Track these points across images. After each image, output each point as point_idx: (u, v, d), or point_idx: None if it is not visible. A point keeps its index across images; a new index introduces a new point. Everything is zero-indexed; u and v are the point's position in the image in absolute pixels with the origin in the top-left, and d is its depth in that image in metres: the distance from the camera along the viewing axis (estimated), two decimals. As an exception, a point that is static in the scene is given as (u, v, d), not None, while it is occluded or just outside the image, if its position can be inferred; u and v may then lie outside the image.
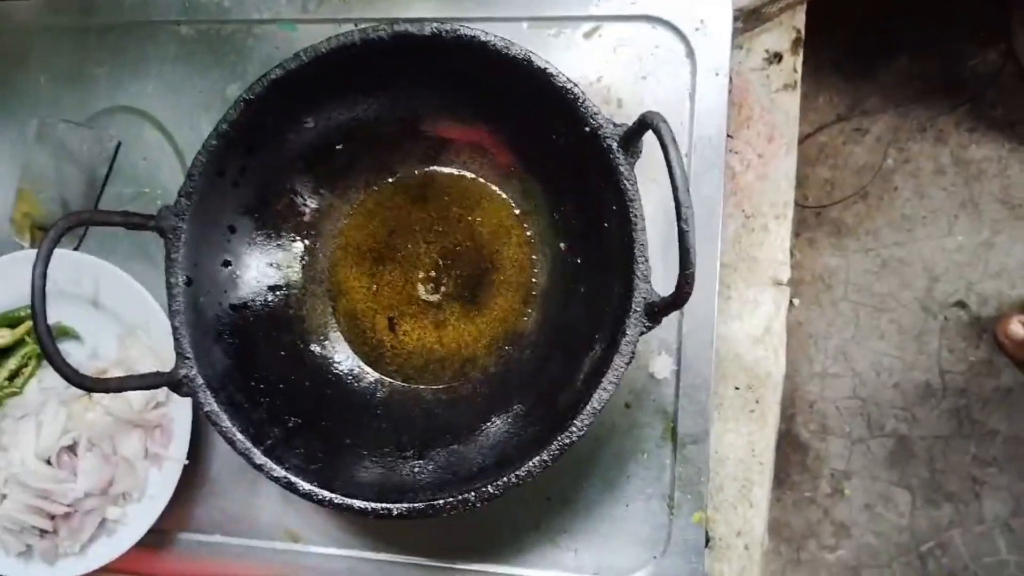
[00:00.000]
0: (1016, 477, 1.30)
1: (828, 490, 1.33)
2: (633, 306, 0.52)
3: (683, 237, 0.45)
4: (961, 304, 1.32)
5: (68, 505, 0.67)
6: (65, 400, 0.69)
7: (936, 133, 1.32)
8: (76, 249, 0.73)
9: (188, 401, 0.67)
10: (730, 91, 0.68)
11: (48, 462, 0.68)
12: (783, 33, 0.73)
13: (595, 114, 0.53)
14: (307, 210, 0.66)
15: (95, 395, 0.68)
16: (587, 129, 0.54)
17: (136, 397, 0.68)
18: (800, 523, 1.32)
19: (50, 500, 0.67)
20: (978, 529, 1.31)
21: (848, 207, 1.33)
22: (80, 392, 0.68)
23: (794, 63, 0.73)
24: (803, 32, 0.73)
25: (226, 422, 0.56)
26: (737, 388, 0.71)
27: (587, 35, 0.69)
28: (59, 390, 0.69)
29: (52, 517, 0.67)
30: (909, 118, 1.32)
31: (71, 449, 0.68)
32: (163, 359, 0.68)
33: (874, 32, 1.32)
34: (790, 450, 1.32)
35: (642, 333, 0.52)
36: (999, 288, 1.32)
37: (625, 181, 0.53)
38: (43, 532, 0.68)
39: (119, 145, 0.74)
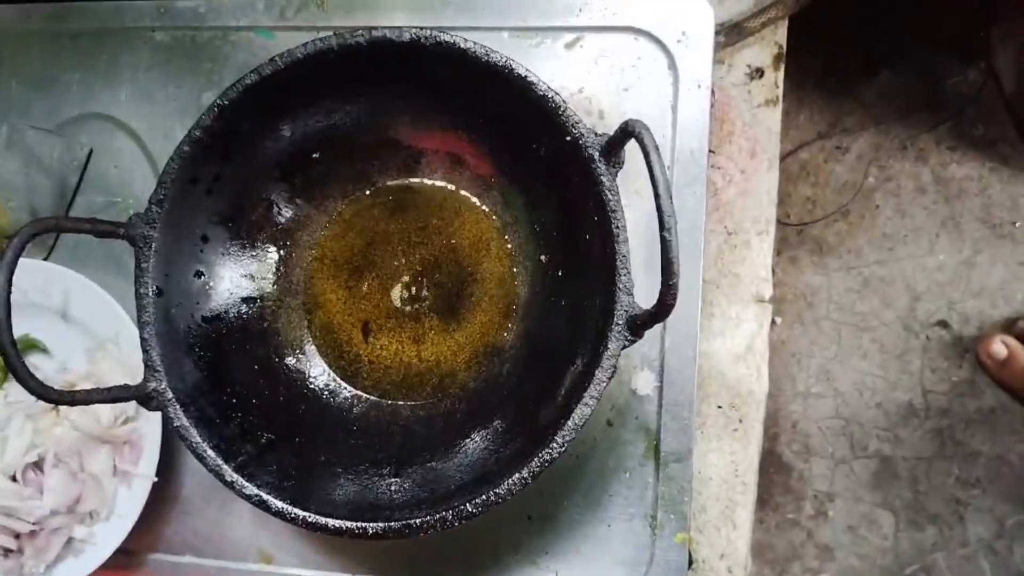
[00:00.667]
0: (999, 499, 1.30)
1: (811, 512, 1.32)
2: (615, 319, 0.51)
3: (666, 247, 0.44)
4: (943, 323, 1.32)
5: (33, 523, 0.65)
6: (32, 415, 0.67)
7: (917, 152, 1.32)
8: (46, 259, 0.71)
9: (158, 416, 0.65)
10: (712, 104, 0.68)
11: (13, 479, 0.65)
12: (765, 48, 0.73)
13: (576, 123, 0.52)
14: (283, 220, 0.64)
15: (62, 410, 0.66)
16: (568, 139, 0.53)
17: (104, 412, 0.66)
18: (783, 545, 1.31)
19: (15, 518, 0.64)
20: (962, 552, 1.30)
21: (830, 225, 1.33)
22: (47, 406, 0.66)
23: (776, 78, 0.73)
24: (785, 48, 0.73)
25: (196, 437, 0.54)
26: (720, 407, 0.70)
27: (568, 46, 0.68)
28: (26, 404, 0.67)
29: (17, 536, 0.65)
30: (890, 136, 1.32)
31: (37, 465, 0.66)
32: (134, 373, 0.65)
33: (855, 50, 1.32)
34: (773, 471, 1.31)
35: (624, 347, 0.51)
36: (980, 307, 1.32)
37: (607, 192, 0.52)
38: (7, 551, 0.65)
39: (91, 153, 0.72)
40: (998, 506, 1.30)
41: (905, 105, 1.33)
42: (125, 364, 0.67)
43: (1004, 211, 1.32)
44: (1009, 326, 1.32)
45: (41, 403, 0.66)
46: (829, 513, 1.32)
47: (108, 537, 0.66)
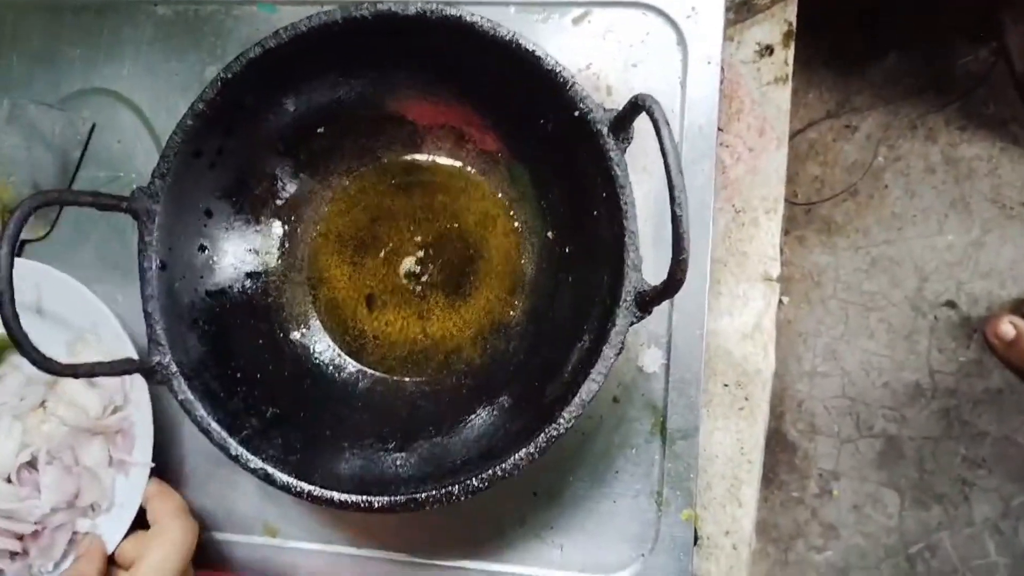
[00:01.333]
0: (1005, 479, 1.30)
1: (816, 490, 1.32)
2: (623, 295, 0.50)
3: (676, 221, 0.43)
4: (951, 304, 1.32)
5: (35, 523, 0.64)
6: (19, 414, 0.65)
7: (927, 131, 1.31)
8: (48, 234, 0.71)
9: (148, 403, 0.64)
10: (722, 81, 0.67)
11: (8, 480, 0.64)
12: (774, 25, 0.72)
13: (584, 98, 0.52)
14: (287, 195, 0.64)
15: (49, 406, 0.65)
16: (576, 114, 0.52)
17: (93, 403, 0.65)
18: (788, 524, 1.31)
19: (16, 520, 0.63)
20: (967, 531, 1.30)
21: (838, 205, 1.32)
22: (34, 403, 0.65)
23: (785, 56, 0.72)
24: (795, 25, 0.72)
25: (201, 411, 0.54)
26: (726, 385, 0.70)
27: (576, 21, 0.67)
28: (12, 404, 0.65)
29: (20, 537, 0.64)
30: (899, 115, 1.31)
31: (31, 464, 0.65)
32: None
33: (865, 27, 1.31)
34: (778, 449, 1.31)
35: (632, 323, 0.51)
36: (989, 288, 1.31)
37: (615, 167, 0.51)
38: (13, 554, 0.64)
39: (93, 128, 0.71)
40: (1004, 486, 1.30)
41: (915, 84, 1.32)
42: (107, 352, 0.65)
43: (1014, 191, 1.31)
44: (1017, 307, 1.31)
45: (27, 401, 0.65)
46: (834, 492, 1.32)
47: (112, 527, 0.65)
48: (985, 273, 1.31)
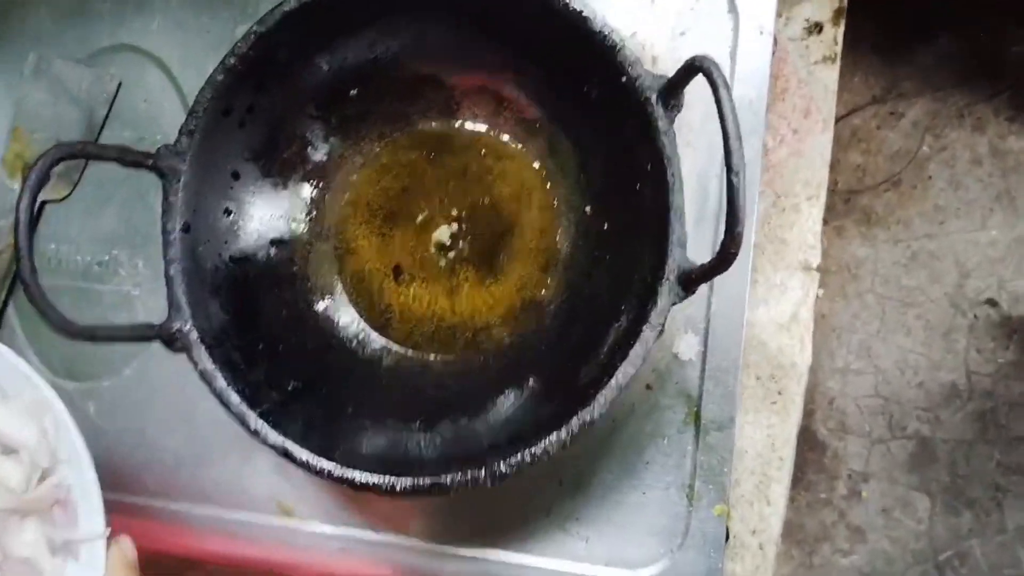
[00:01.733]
0: (1041, 486, 1.27)
1: (844, 492, 1.29)
2: (666, 273, 0.48)
3: (733, 192, 0.41)
4: (992, 302, 1.28)
5: None
6: None
7: (974, 121, 1.27)
8: (70, 195, 0.69)
9: (85, 458, 0.52)
10: (773, 52, 0.64)
11: None
12: (825, 2, 0.69)
13: (633, 63, 0.49)
14: (316, 160, 0.62)
15: None
16: (623, 80, 0.49)
17: (14, 475, 0.50)
18: (814, 525, 1.29)
19: None
20: (999, 539, 1.27)
21: (879, 195, 1.29)
22: None
23: (835, 34, 0.69)
24: (846, 2, 0.69)
25: (221, 382, 0.52)
26: (759, 378, 0.67)
27: (623, -14, 0.64)
28: None
29: None
30: (947, 104, 1.27)
31: None
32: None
33: (914, 10, 1.27)
34: (807, 448, 1.29)
35: (674, 303, 0.48)
36: (1032, 287, 1.28)
37: (663, 137, 0.48)
38: None
39: (120, 85, 0.70)
40: (1038, 494, 1.27)
41: (964, 71, 1.28)
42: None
43: (1062, 187, 1.27)
44: (1061, 308, 1.28)
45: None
46: (863, 494, 1.30)
47: None
48: (1028, 271, 1.28)
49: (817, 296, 0.68)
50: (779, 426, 0.67)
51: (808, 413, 1.26)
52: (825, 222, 0.68)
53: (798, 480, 1.30)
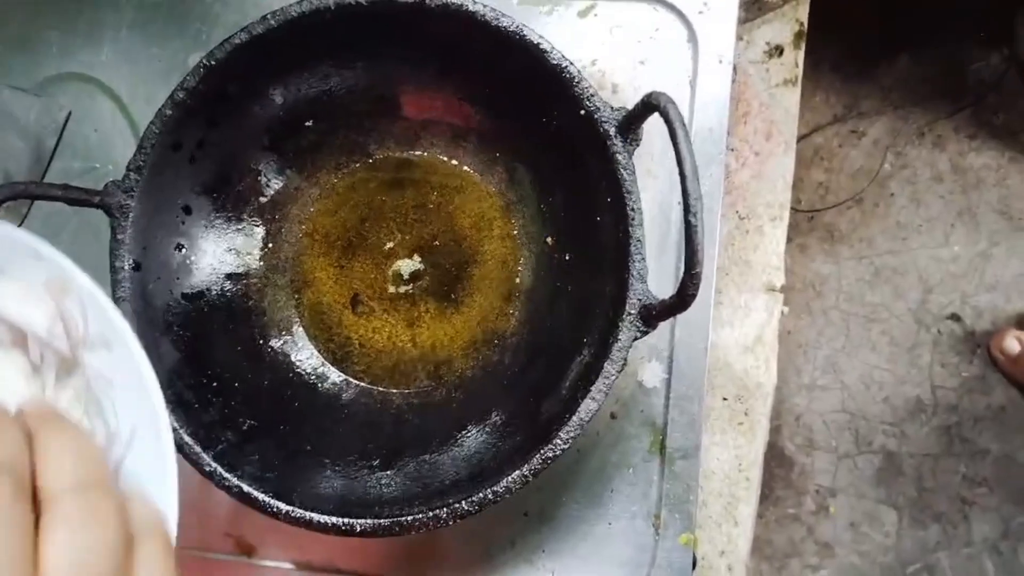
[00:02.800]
0: (1006, 498, 1.28)
1: (813, 507, 1.29)
2: (627, 308, 0.47)
3: (691, 232, 0.40)
4: (955, 317, 1.29)
5: None
6: None
7: (935, 138, 1.28)
8: (19, 227, 0.67)
9: (131, 339, 0.48)
10: (733, 81, 0.64)
11: None
12: (785, 25, 0.69)
13: (592, 95, 0.49)
14: (271, 192, 0.60)
15: None
16: (582, 112, 0.49)
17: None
18: (783, 541, 1.29)
19: None
20: (966, 551, 1.28)
21: (842, 212, 1.29)
22: None
23: (796, 57, 0.69)
24: (806, 26, 0.69)
25: (173, 423, 0.50)
26: (725, 399, 0.67)
27: (582, 14, 0.64)
28: None
29: None
30: (908, 122, 1.28)
31: None
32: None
33: (875, 31, 1.29)
34: (774, 464, 1.29)
35: (636, 338, 0.48)
36: (994, 302, 1.29)
37: (622, 171, 0.48)
38: None
39: (69, 115, 0.68)
40: (1004, 506, 1.28)
41: (924, 90, 1.29)
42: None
43: (1022, 203, 1.29)
44: (1023, 321, 1.29)
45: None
46: (831, 509, 1.30)
47: None
48: (991, 286, 1.29)
49: (782, 313, 0.68)
50: (746, 447, 0.67)
51: (775, 429, 1.26)
52: (789, 240, 0.68)
53: (766, 496, 1.30)
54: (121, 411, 0.36)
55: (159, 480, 0.34)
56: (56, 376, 0.37)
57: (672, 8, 0.63)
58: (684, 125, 0.40)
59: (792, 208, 1.22)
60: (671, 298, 0.44)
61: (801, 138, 1.30)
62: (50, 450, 0.27)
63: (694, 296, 0.42)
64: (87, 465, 0.27)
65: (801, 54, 0.69)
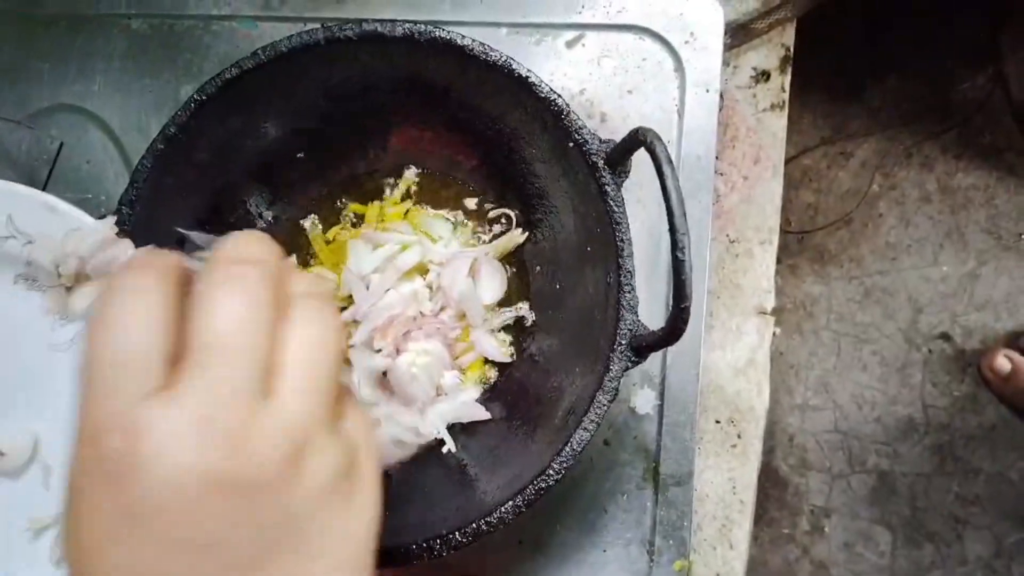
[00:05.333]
0: (999, 517, 1.28)
1: (807, 527, 1.29)
2: (618, 339, 0.47)
3: (679, 267, 0.40)
4: (945, 336, 1.30)
5: None
6: None
7: (922, 159, 1.29)
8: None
9: None
10: (720, 109, 0.64)
11: None
12: (771, 50, 0.70)
13: (580, 128, 0.49)
14: (263, 224, 0.61)
15: None
16: (571, 145, 0.49)
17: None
18: (778, 562, 1.29)
19: None
20: (960, 570, 1.28)
21: (832, 233, 1.30)
22: None
23: (782, 82, 0.70)
24: (792, 50, 0.70)
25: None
26: (718, 422, 0.67)
27: (570, 44, 0.65)
28: None
29: None
30: (896, 143, 1.29)
31: None
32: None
33: (862, 53, 1.30)
34: (768, 485, 1.29)
35: (627, 369, 0.48)
36: (984, 321, 1.30)
37: (611, 202, 0.48)
38: None
39: (61, 146, 0.68)
40: (997, 524, 1.28)
41: (911, 111, 1.31)
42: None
43: (1010, 222, 1.30)
44: (1013, 340, 1.30)
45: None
46: (825, 529, 1.30)
47: None
48: (980, 305, 1.30)
49: (774, 334, 0.69)
50: (739, 469, 0.67)
51: (768, 450, 1.27)
52: (779, 261, 0.69)
53: (760, 517, 1.30)
54: None
55: None
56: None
57: (658, 38, 0.63)
58: (671, 161, 0.40)
59: (782, 229, 1.23)
60: (662, 330, 0.44)
61: (790, 160, 1.31)
62: (294, 272, 0.32)
63: (683, 329, 0.42)
64: (319, 283, 0.33)
65: (787, 79, 0.70)
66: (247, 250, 0.31)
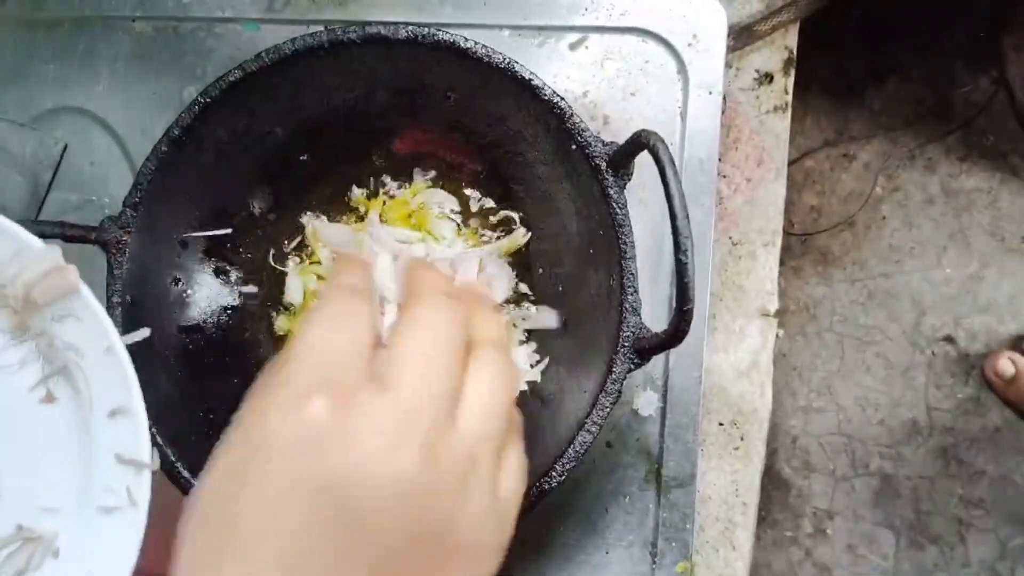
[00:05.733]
0: (1003, 519, 1.28)
1: (810, 529, 1.29)
2: (621, 341, 0.47)
3: (681, 270, 0.40)
4: (949, 339, 1.30)
5: None
6: None
7: (926, 161, 1.29)
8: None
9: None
10: (723, 112, 0.65)
11: None
12: (774, 53, 0.70)
13: (583, 131, 0.49)
14: (266, 225, 0.61)
15: None
16: (573, 147, 0.49)
17: None
18: (780, 564, 1.29)
19: None
20: (964, 573, 1.28)
21: (835, 235, 1.30)
22: None
23: (785, 84, 0.70)
24: (795, 52, 0.70)
25: (170, 457, 0.50)
26: (721, 424, 0.67)
27: (573, 46, 0.65)
28: None
29: None
30: (898, 145, 1.29)
31: None
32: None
33: (864, 55, 1.30)
34: (771, 487, 1.29)
35: (630, 371, 0.48)
36: (988, 323, 1.30)
37: (614, 205, 0.48)
38: None
39: (65, 148, 0.68)
40: (1001, 527, 1.28)
41: (914, 113, 1.31)
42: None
43: (1013, 224, 1.30)
44: (1017, 343, 1.30)
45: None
46: (828, 531, 1.30)
47: None
48: (984, 308, 1.30)
49: (777, 336, 0.69)
50: (742, 472, 0.67)
51: (771, 452, 1.27)
52: (782, 263, 0.69)
53: (763, 519, 1.30)
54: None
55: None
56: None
57: (661, 40, 0.63)
58: (673, 164, 0.40)
59: (785, 231, 1.23)
60: (664, 332, 0.44)
61: (793, 162, 1.31)
62: (483, 313, 0.37)
63: (686, 332, 0.42)
64: (502, 331, 0.37)
65: (791, 81, 0.70)
66: (442, 285, 0.36)
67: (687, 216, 0.40)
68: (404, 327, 0.32)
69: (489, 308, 0.39)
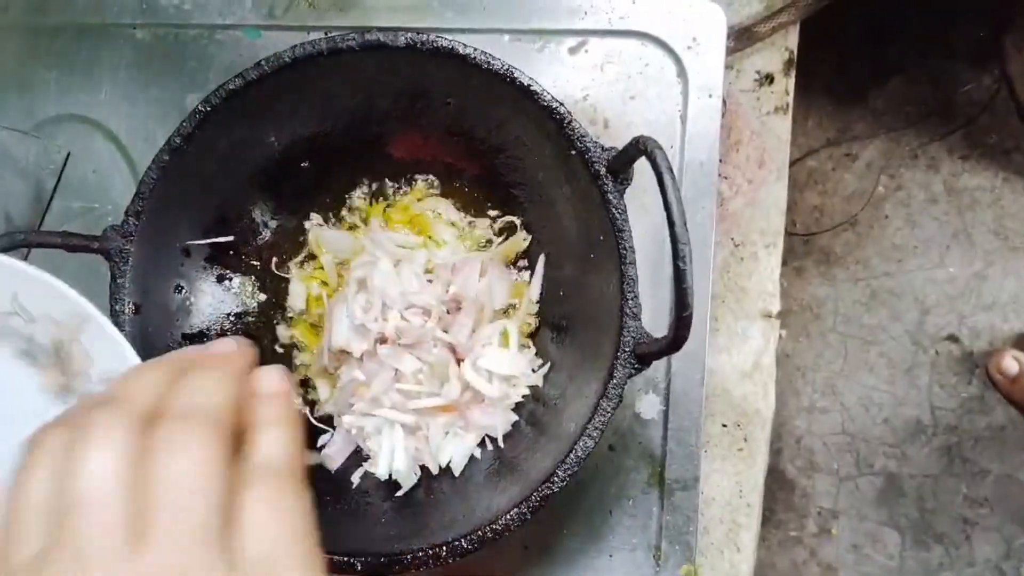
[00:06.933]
0: (1008, 518, 1.28)
1: (815, 529, 1.29)
2: (622, 346, 0.47)
3: (680, 276, 0.40)
4: (952, 338, 1.30)
5: None
6: None
7: (928, 160, 1.29)
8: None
9: None
10: (723, 114, 0.64)
11: None
12: (775, 54, 0.70)
13: (582, 136, 0.49)
14: (268, 232, 0.61)
15: None
16: (573, 153, 0.49)
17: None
18: (785, 564, 1.28)
19: None
20: (969, 572, 1.27)
21: (837, 235, 1.30)
22: None
23: (786, 85, 0.70)
24: (796, 53, 0.70)
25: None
26: (724, 425, 0.67)
27: (572, 50, 0.65)
28: None
29: None
30: (901, 144, 1.29)
31: None
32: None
33: (866, 54, 1.30)
34: (776, 487, 1.29)
35: (631, 376, 0.48)
36: (991, 321, 1.29)
37: (614, 210, 0.48)
38: None
39: (68, 156, 0.68)
40: (1006, 526, 1.28)
41: (916, 112, 1.30)
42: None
43: (1017, 223, 1.29)
44: (1020, 341, 1.29)
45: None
46: (833, 531, 1.30)
47: None
48: (987, 306, 1.29)
49: (780, 336, 0.68)
50: (746, 473, 0.67)
51: (776, 452, 1.27)
52: (785, 263, 0.68)
53: (768, 519, 1.30)
54: None
55: None
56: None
57: (661, 43, 0.63)
58: (671, 171, 0.41)
59: (787, 232, 1.23)
60: (664, 338, 0.44)
61: (795, 162, 1.31)
62: (269, 431, 0.32)
63: (685, 338, 0.42)
64: (290, 452, 0.32)
65: (791, 82, 0.70)
66: (208, 401, 0.30)
67: (685, 223, 0.40)
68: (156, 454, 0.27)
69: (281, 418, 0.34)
